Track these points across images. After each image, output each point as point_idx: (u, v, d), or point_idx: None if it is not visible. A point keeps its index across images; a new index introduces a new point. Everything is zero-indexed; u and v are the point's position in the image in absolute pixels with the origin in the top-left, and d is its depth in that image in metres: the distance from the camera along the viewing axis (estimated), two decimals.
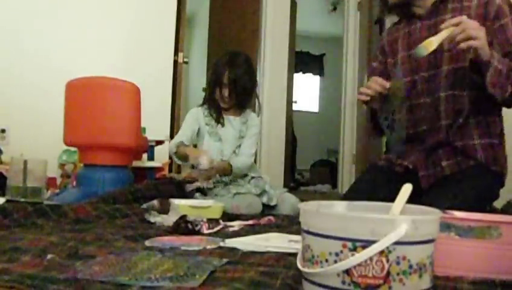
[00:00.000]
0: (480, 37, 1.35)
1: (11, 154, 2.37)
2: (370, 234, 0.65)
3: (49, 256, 0.93)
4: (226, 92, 2.21)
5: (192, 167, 2.21)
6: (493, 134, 1.61)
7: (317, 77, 8.48)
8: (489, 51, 1.38)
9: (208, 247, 1.13)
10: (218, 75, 2.22)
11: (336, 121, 5.04)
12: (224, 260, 0.96)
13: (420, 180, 1.61)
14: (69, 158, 2.76)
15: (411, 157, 1.66)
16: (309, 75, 8.41)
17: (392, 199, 0.81)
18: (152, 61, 3.33)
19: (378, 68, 1.82)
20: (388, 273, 0.65)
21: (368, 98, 1.57)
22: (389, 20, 3.17)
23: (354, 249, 0.65)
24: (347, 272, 0.65)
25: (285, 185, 4.11)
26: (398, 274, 0.65)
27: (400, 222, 0.66)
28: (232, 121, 2.28)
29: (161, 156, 2.90)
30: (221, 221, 1.51)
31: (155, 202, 1.70)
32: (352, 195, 1.71)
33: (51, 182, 2.54)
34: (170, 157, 2.28)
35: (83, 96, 2.19)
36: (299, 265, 0.74)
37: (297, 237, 0.94)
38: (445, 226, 0.88)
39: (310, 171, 6.83)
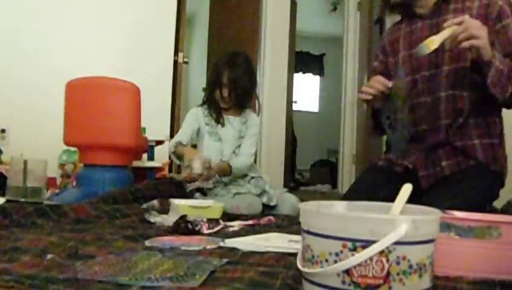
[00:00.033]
0: (483, 36, 1.35)
1: (11, 154, 2.37)
2: (370, 234, 0.65)
3: (49, 256, 0.93)
4: (225, 92, 2.20)
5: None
6: (493, 134, 1.61)
7: (317, 77, 8.49)
8: (490, 51, 1.38)
9: (208, 247, 1.13)
10: (217, 75, 2.21)
11: (336, 121, 5.04)
12: (224, 260, 0.96)
13: (420, 180, 1.61)
14: (69, 158, 2.76)
15: (411, 157, 1.66)
16: (309, 75, 8.41)
17: (392, 199, 0.81)
18: (152, 61, 3.33)
19: (379, 67, 1.82)
20: (388, 273, 0.65)
21: (370, 97, 1.57)
22: (389, 20, 3.17)
23: (354, 249, 0.65)
24: (347, 272, 0.65)
25: (285, 185, 4.11)
26: (398, 274, 0.65)
27: (399, 222, 0.66)
28: (232, 121, 2.28)
29: (161, 156, 2.90)
30: (221, 221, 1.51)
31: (155, 202, 1.70)
32: (352, 195, 1.71)
33: (51, 182, 2.54)
34: (170, 157, 2.28)
35: (83, 96, 2.19)
36: (299, 265, 0.74)
37: (297, 237, 0.94)
38: (445, 226, 0.88)
39: (310, 171, 6.83)
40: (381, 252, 0.64)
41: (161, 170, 2.81)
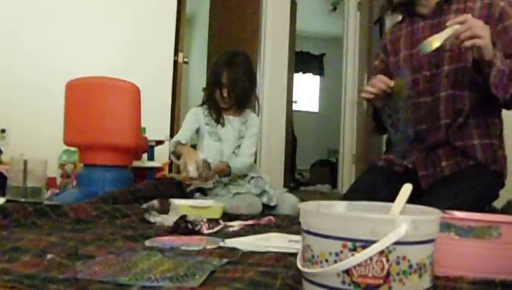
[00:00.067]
0: (485, 36, 1.35)
1: (11, 154, 2.37)
2: (370, 234, 0.65)
3: (49, 256, 0.93)
4: (225, 92, 2.20)
5: None
6: (493, 135, 1.61)
7: (317, 77, 8.49)
8: (492, 50, 1.38)
9: (208, 247, 1.13)
10: (217, 75, 2.21)
11: (336, 121, 5.04)
12: (224, 260, 0.96)
13: (420, 181, 1.61)
14: (69, 158, 2.76)
15: (411, 157, 1.66)
16: (309, 75, 8.41)
17: (392, 199, 0.81)
18: (152, 61, 3.33)
19: (380, 66, 1.82)
20: (388, 273, 0.65)
21: (372, 96, 1.57)
22: (389, 20, 3.18)
23: (354, 249, 0.65)
24: (347, 272, 0.65)
25: (285, 185, 4.11)
26: (398, 274, 0.65)
27: (399, 222, 0.66)
28: (231, 121, 2.28)
29: (161, 156, 2.90)
30: (221, 221, 1.51)
31: (155, 202, 1.70)
32: (352, 195, 1.71)
33: (51, 182, 2.54)
34: (170, 157, 2.28)
35: (83, 96, 2.19)
36: (299, 265, 0.74)
37: (297, 237, 0.94)
38: (445, 226, 0.88)
39: (310, 171, 6.83)
40: (381, 252, 0.64)
41: (161, 170, 2.81)
